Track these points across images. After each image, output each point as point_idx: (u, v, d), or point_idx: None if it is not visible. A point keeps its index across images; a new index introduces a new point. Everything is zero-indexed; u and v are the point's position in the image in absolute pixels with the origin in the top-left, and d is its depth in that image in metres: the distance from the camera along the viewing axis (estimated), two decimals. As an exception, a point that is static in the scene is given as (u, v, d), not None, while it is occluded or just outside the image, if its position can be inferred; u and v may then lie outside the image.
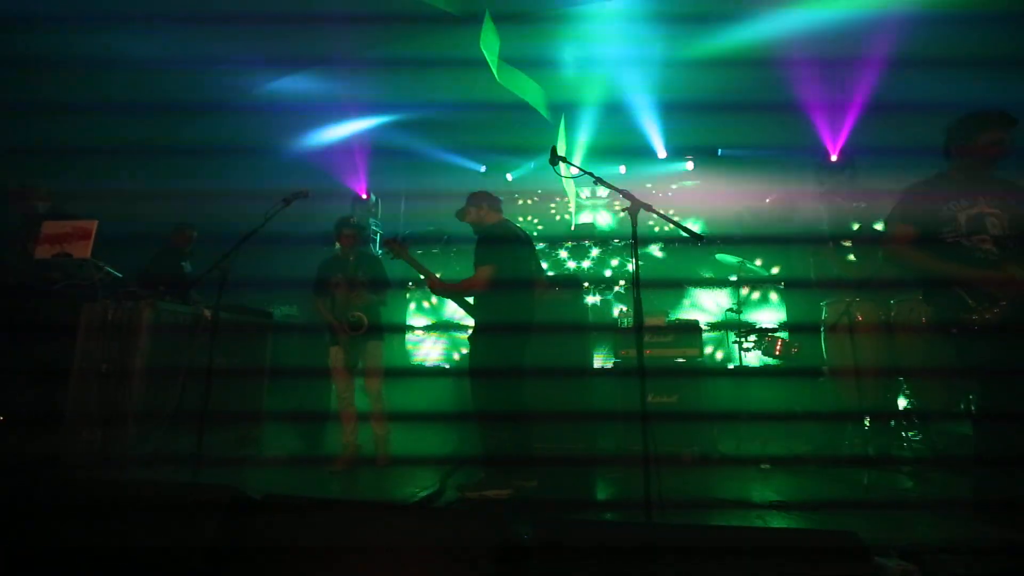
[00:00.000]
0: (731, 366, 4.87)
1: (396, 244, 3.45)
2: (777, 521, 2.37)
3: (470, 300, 3.20)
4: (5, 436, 2.92)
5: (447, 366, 6.26)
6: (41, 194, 3.92)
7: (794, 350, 4.26)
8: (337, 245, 3.88)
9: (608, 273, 6.41)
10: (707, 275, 6.04)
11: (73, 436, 2.86)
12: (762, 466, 3.45)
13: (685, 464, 3.55)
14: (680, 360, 3.92)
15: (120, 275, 3.43)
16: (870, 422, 3.55)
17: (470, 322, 3.16)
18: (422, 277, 3.29)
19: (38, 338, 3.08)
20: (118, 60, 4.35)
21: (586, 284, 6.18)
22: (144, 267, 4.20)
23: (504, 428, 2.89)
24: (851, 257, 4.37)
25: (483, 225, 3.19)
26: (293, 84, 5.37)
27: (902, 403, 3.62)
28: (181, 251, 4.44)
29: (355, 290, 3.67)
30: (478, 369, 2.96)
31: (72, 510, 1.70)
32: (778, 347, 4.27)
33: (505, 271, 2.96)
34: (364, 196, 7.04)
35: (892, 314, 3.56)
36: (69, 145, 4.41)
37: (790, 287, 5.64)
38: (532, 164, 6.61)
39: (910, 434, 3.53)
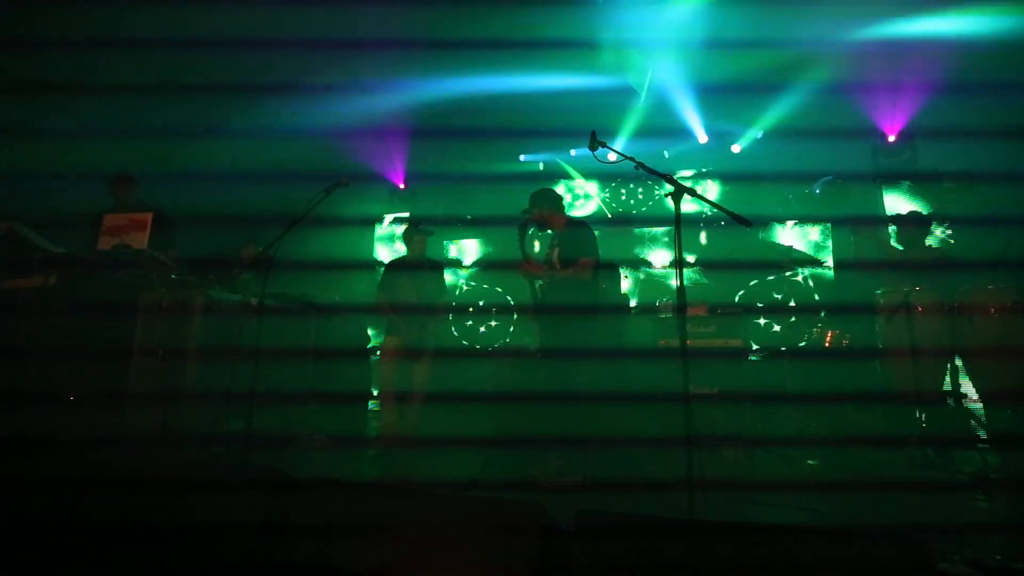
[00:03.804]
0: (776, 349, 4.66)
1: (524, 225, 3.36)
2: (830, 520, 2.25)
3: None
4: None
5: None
6: (134, 183, 4.12)
7: (845, 342, 4.06)
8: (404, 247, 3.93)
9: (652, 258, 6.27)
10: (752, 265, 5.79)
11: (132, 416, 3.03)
12: (809, 462, 3.30)
13: (728, 455, 3.43)
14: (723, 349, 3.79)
15: (174, 265, 3.58)
16: (928, 415, 3.34)
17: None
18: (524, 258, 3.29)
19: (101, 323, 3.25)
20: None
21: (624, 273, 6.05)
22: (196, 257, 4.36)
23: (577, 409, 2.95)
24: (893, 241, 4.09)
25: (557, 224, 3.33)
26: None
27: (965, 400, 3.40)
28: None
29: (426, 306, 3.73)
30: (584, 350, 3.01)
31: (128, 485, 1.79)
32: (828, 339, 4.07)
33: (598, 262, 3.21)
34: (401, 186, 7.12)
35: (957, 304, 3.33)
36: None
37: (839, 274, 5.36)
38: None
39: (975, 431, 3.31)
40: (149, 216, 3.54)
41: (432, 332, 3.76)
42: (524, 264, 3.25)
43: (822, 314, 5.17)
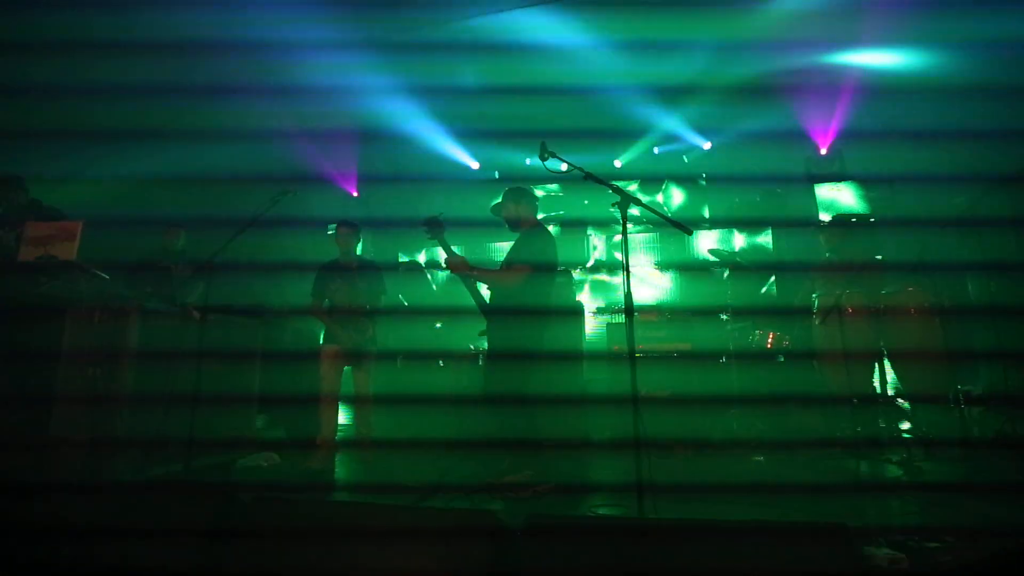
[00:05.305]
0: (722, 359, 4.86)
1: (437, 224, 3.22)
2: (768, 511, 2.37)
3: (484, 291, 3.14)
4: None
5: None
6: (21, 184, 3.80)
7: (785, 343, 4.27)
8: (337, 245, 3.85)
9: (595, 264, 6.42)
10: (699, 269, 6.03)
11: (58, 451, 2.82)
12: (756, 458, 3.46)
13: (678, 457, 3.55)
14: (673, 354, 3.93)
15: (107, 277, 3.37)
16: (859, 409, 3.57)
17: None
18: (447, 257, 3.13)
19: (23, 343, 3.02)
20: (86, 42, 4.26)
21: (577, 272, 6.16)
22: (131, 268, 4.15)
23: (522, 415, 2.85)
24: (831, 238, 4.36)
25: (524, 225, 3.15)
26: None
27: (891, 392, 3.66)
28: (171, 252, 4.39)
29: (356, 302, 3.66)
30: (502, 363, 2.92)
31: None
32: (770, 340, 4.28)
33: (538, 274, 2.97)
34: (354, 193, 6.99)
35: (882, 305, 3.58)
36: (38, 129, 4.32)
37: (780, 278, 5.65)
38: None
39: (899, 421, 3.57)
40: (79, 225, 3.31)
41: (371, 337, 3.71)
42: (450, 263, 3.09)
43: (765, 285, 5.40)
